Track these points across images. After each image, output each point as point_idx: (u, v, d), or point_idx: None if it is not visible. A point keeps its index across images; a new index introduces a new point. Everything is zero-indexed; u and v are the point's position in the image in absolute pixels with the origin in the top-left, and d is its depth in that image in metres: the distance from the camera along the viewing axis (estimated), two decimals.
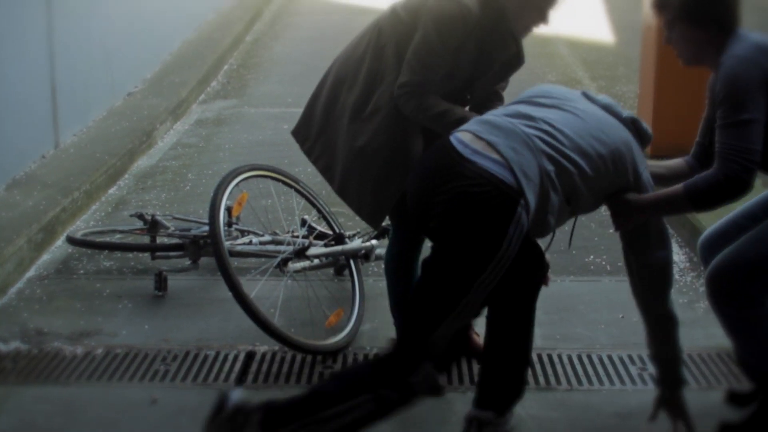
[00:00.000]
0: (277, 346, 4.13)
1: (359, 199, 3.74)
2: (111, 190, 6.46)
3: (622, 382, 3.93)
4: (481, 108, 3.62)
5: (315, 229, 4.73)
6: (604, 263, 5.18)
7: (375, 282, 4.81)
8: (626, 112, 3.28)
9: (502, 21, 3.55)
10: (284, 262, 4.30)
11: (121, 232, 5.39)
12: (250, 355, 4.14)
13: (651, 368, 3.97)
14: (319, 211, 4.80)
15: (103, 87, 7.87)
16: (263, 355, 4.14)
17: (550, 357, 4.11)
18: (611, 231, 3.33)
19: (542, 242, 3.24)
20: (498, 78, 3.75)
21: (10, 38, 6.05)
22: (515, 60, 3.71)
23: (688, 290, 4.80)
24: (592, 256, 5.27)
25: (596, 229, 5.48)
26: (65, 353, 4.16)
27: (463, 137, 3.07)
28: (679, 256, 5.21)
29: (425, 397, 3.03)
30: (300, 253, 4.39)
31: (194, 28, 11.28)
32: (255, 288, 4.25)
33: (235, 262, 4.25)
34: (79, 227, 5.64)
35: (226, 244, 4.10)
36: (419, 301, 3.06)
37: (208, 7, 12.15)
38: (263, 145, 7.46)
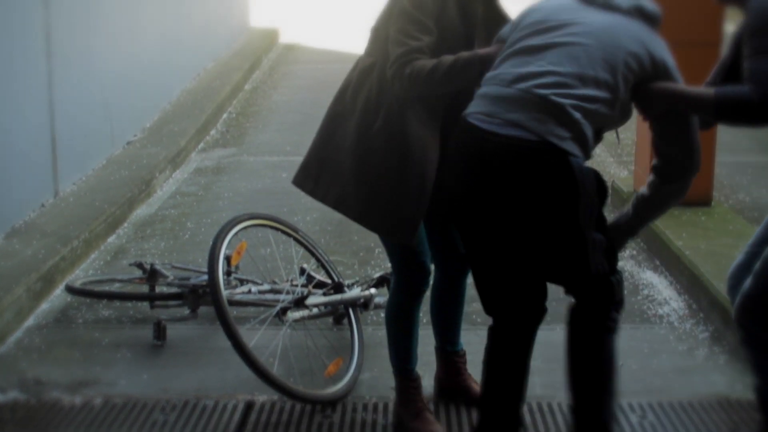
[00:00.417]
0: (276, 396, 4.12)
1: (385, 221, 3.57)
2: (110, 239, 6.46)
3: (621, 430, 3.91)
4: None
5: (314, 277, 4.74)
6: None
7: (374, 331, 4.81)
8: (626, 2, 3.22)
9: None
10: (283, 311, 4.30)
11: (120, 281, 5.39)
12: (249, 405, 4.12)
13: (651, 416, 3.97)
14: (318, 259, 4.81)
15: (103, 136, 7.90)
16: (262, 405, 4.12)
17: (549, 405, 4.10)
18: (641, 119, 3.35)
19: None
20: (490, 35, 3.60)
21: (11, 87, 6.09)
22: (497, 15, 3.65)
23: (687, 337, 4.78)
24: None
25: None
26: (64, 403, 4.15)
27: (482, 117, 3.14)
28: (678, 303, 5.20)
29: None
30: (299, 302, 4.39)
31: (193, 77, 11.34)
32: (254, 337, 4.25)
33: (234, 311, 4.25)
34: (78, 276, 5.64)
35: (225, 293, 4.10)
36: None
37: (206, 56, 12.23)
38: (262, 194, 7.48)
